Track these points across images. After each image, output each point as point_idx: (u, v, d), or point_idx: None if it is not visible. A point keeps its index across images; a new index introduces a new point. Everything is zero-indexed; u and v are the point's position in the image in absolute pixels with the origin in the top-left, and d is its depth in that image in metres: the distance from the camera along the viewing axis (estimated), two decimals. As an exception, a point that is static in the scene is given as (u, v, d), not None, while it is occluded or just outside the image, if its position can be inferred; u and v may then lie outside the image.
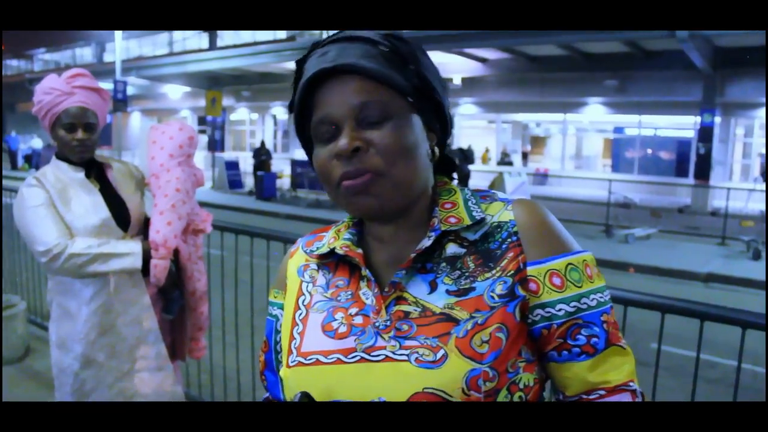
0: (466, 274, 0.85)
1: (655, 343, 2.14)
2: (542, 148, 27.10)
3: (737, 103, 17.87)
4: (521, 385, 0.82)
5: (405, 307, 0.85)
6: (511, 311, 0.82)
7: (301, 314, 0.93)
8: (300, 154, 26.17)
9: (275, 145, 30.15)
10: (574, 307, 0.84)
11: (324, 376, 0.85)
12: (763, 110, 18.12)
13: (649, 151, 21.89)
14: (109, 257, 2.17)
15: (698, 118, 16.90)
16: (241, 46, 24.14)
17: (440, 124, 0.92)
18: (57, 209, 2.18)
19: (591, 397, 0.85)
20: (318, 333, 0.89)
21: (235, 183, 18.74)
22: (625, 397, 0.84)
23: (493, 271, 0.85)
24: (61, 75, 2.24)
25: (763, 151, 20.09)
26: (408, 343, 0.82)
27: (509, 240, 0.86)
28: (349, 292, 0.91)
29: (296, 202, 15.59)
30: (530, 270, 0.84)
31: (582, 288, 0.85)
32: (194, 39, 28.59)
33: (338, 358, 0.85)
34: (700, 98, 16.59)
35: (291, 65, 22.62)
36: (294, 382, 0.87)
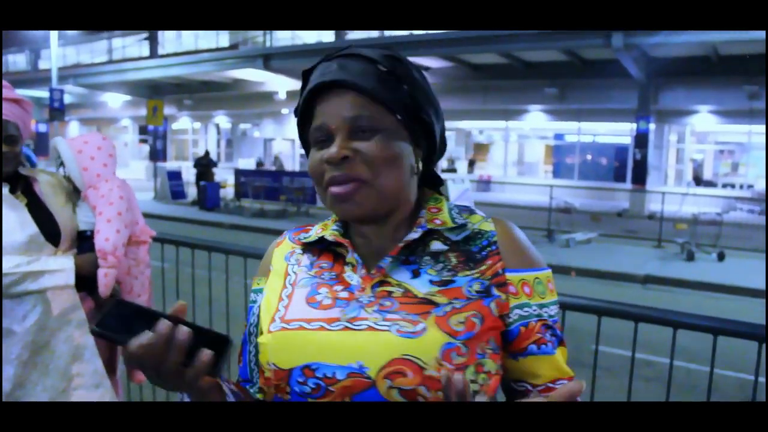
0: (449, 267, 0.95)
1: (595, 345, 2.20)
2: (485, 155, 27.47)
3: (670, 111, 18.58)
4: (485, 368, 0.90)
5: (388, 288, 0.94)
6: (487, 305, 0.92)
7: (287, 291, 1.00)
8: (243, 164, 25.92)
9: (219, 155, 29.72)
10: (541, 312, 0.96)
11: (306, 340, 0.90)
12: (694, 117, 18.90)
13: (589, 157, 22.52)
14: (39, 275, 2.09)
15: (634, 125, 17.46)
16: (183, 54, 23.74)
17: (428, 143, 1.00)
18: (-19, 227, 2.08)
19: (557, 384, 0.95)
20: (302, 304, 0.95)
21: (177, 193, 18.37)
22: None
23: (473, 271, 0.94)
24: None
25: (695, 156, 20.94)
26: (390, 316, 0.90)
27: (489, 248, 0.97)
28: (333, 273, 0.98)
29: (240, 212, 15.40)
30: (508, 276, 0.95)
31: (545, 299, 0.97)
32: (134, 47, 27.96)
33: (321, 326, 0.91)
34: (635, 106, 17.14)
35: (233, 73, 22.63)
36: (275, 346, 0.92)
